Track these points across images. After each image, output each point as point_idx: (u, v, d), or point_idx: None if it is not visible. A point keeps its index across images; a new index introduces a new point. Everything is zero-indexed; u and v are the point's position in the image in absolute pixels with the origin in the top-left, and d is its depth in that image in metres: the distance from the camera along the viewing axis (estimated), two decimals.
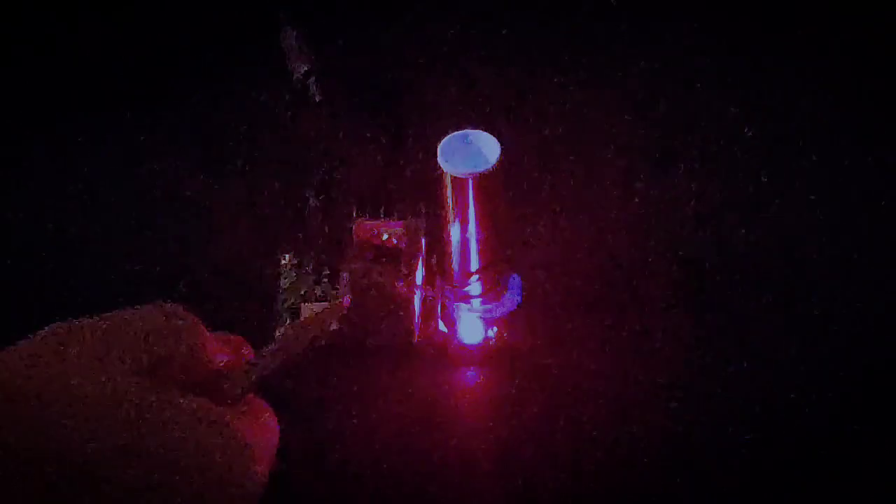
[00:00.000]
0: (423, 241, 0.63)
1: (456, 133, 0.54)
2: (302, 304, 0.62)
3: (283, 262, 0.64)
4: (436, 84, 0.77)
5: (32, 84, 0.78)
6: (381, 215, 0.63)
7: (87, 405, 0.29)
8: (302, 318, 0.37)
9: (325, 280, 0.63)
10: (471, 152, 0.54)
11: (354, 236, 0.62)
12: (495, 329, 0.62)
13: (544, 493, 0.56)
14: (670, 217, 0.68)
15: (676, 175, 0.70)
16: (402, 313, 0.60)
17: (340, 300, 0.38)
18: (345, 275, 0.41)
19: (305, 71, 0.76)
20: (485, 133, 0.54)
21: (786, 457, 0.56)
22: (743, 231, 0.67)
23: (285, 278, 0.64)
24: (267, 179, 0.71)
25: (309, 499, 0.56)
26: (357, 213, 0.63)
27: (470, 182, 0.54)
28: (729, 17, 0.80)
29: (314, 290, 0.63)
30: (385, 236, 0.62)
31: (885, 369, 0.59)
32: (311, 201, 0.68)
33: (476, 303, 0.61)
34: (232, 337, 0.36)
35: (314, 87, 0.76)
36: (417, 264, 0.61)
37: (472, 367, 0.61)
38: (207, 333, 0.34)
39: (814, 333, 0.61)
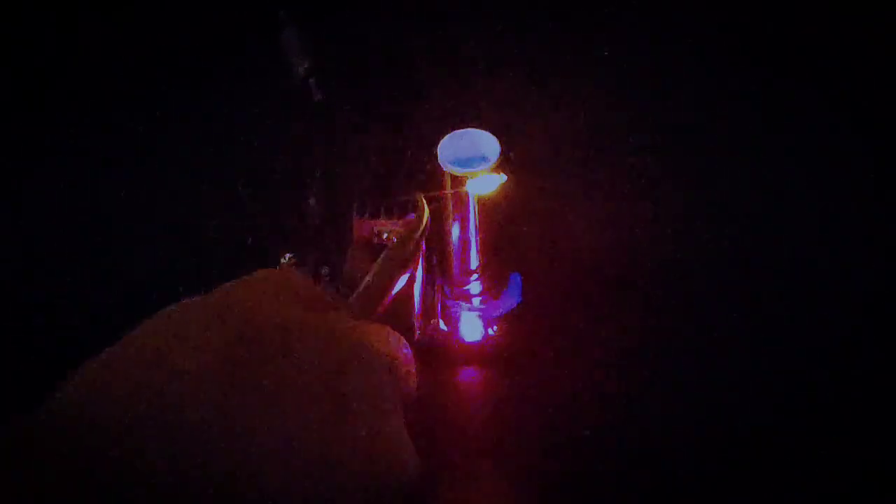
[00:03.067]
0: (423, 240, 0.63)
1: (456, 132, 0.54)
2: None
3: (283, 261, 0.65)
4: (436, 83, 0.77)
5: (32, 84, 0.78)
6: (381, 215, 0.63)
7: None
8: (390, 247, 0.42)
9: (326, 280, 0.63)
10: (471, 152, 0.54)
11: (354, 236, 0.62)
12: (495, 327, 0.62)
13: (544, 491, 0.56)
14: (672, 217, 0.68)
15: (678, 176, 0.71)
16: (402, 312, 0.60)
17: (422, 216, 0.42)
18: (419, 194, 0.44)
19: (305, 71, 0.76)
20: (485, 133, 0.54)
21: (782, 456, 0.56)
22: (745, 233, 0.67)
23: None
24: (267, 179, 0.71)
25: None
26: (357, 213, 0.63)
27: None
28: (731, 19, 0.80)
29: None
30: (385, 236, 0.62)
31: (879, 370, 0.60)
32: (311, 201, 0.68)
33: (476, 301, 0.61)
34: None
35: (314, 87, 0.76)
36: (418, 263, 0.61)
37: (471, 365, 0.61)
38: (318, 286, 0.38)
39: (814, 337, 0.61)
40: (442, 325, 0.62)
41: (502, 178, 0.55)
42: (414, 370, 0.37)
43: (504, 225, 0.58)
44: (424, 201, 0.44)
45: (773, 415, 0.58)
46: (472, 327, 0.62)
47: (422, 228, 0.43)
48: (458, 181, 0.54)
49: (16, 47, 0.79)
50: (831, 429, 0.57)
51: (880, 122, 0.72)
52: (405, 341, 0.37)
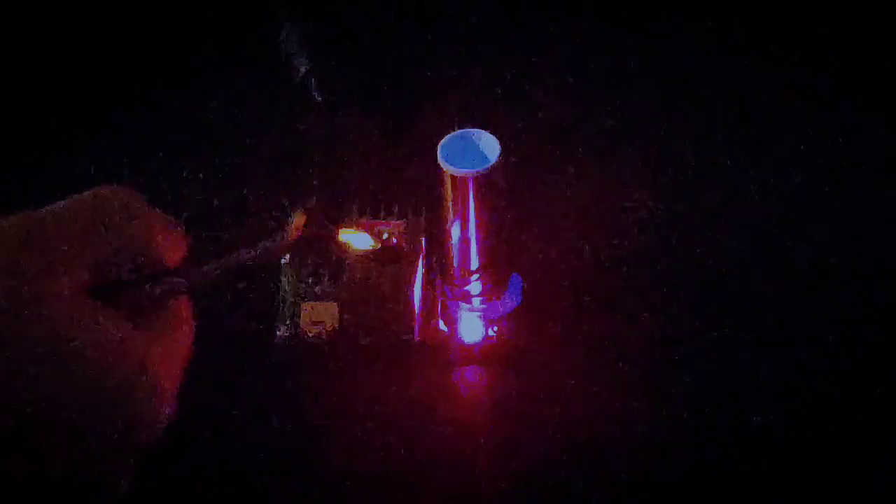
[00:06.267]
0: (424, 240, 0.63)
1: (456, 133, 0.54)
2: (302, 302, 0.62)
3: (283, 261, 0.65)
4: (436, 84, 0.77)
5: (32, 85, 0.78)
6: (381, 215, 0.63)
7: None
8: (253, 248, 0.38)
9: (325, 280, 0.63)
10: (471, 152, 0.54)
11: None
12: (495, 328, 0.62)
13: (544, 492, 0.56)
14: (671, 217, 0.68)
15: (678, 176, 0.71)
16: (402, 312, 0.60)
17: (287, 235, 0.39)
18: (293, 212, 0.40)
19: (305, 71, 0.76)
20: (485, 133, 0.54)
21: (789, 457, 0.56)
22: (745, 231, 0.67)
23: (285, 277, 0.64)
24: (267, 179, 0.71)
25: (309, 499, 0.57)
26: (357, 213, 0.63)
27: (470, 182, 0.54)
28: (731, 20, 0.80)
29: (314, 289, 0.63)
30: (385, 236, 0.62)
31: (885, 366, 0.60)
32: (311, 201, 0.68)
33: (476, 302, 0.61)
34: (172, 227, 0.37)
35: (314, 87, 0.76)
36: (417, 264, 0.61)
37: (472, 367, 0.61)
38: (153, 220, 0.36)
39: (818, 332, 0.61)
40: (442, 326, 0.62)
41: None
42: (151, 409, 0.32)
43: (504, 225, 0.58)
44: (301, 219, 0.40)
45: (783, 417, 0.58)
46: (472, 328, 0.62)
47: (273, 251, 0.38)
48: (458, 182, 0.54)
49: (15, 48, 0.79)
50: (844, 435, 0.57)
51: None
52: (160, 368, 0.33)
